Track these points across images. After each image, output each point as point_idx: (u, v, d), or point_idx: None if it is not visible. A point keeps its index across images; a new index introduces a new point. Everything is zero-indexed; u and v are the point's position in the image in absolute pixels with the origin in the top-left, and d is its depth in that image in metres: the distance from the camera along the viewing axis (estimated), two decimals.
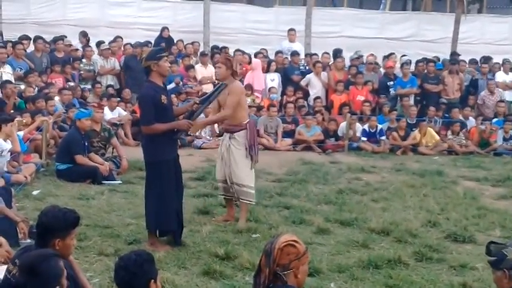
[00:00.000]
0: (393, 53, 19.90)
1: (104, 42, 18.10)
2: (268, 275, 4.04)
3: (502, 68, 19.21)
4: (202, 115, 9.40)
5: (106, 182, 11.24)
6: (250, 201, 9.00)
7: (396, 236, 8.57)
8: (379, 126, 16.15)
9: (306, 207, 10.01)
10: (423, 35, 24.51)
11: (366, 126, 16.18)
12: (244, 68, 16.89)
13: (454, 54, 20.94)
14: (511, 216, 9.94)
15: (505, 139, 16.48)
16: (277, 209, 9.86)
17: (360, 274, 7.14)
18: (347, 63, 18.74)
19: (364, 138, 16.02)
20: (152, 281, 4.11)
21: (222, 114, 8.91)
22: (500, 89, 18.37)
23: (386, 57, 19.53)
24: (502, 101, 17.75)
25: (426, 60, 18.82)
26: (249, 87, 16.52)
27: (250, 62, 17.67)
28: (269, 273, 4.04)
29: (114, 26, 21.35)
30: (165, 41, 18.72)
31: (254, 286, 4.14)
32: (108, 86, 16.61)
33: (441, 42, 23.85)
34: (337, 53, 19.13)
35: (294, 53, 18.57)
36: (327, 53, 19.17)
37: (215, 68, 9.14)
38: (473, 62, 19.95)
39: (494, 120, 17.16)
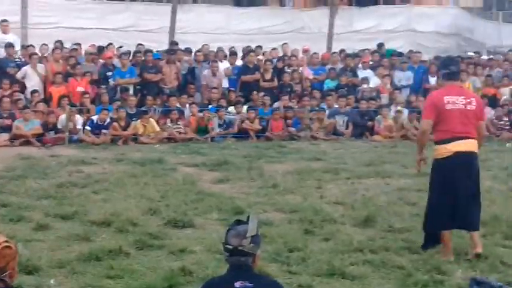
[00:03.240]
0: (111, 44, 19.93)
1: None
2: None
3: (217, 56, 19.96)
4: None
5: None
6: None
7: (117, 227, 8.60)
8: (108, 120, 16.10)
9: (24, 203, 9.72)
10: (142, 25, 24.72)
11: (95, 118, 16.06)
12: None
13: (172, 43, 21.40)
14: (227, 199, 10.39)
15: (220, 125, 17.24)
16: None
17: (80, 268, 7.09)
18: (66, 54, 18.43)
19: (89, 128, 15.90)
20: None
21: None
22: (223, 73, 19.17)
23: (106, 48, 19.48)
24: (215, 87, 18.48)
25: (145, 50, 19.08)
26: None
27: None
28: None
29: None
30: None
31: None
32: None
33: (159, 32, 24.21)
34: (48, 45, 18.72)
35: (8, 45, 17.87)
36: (45, 45, 18.71)
37: None
38: (189, 50, 20.49)
39: (210, 106, 17.85)
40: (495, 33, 27.02)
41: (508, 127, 18.47)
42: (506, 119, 18.59)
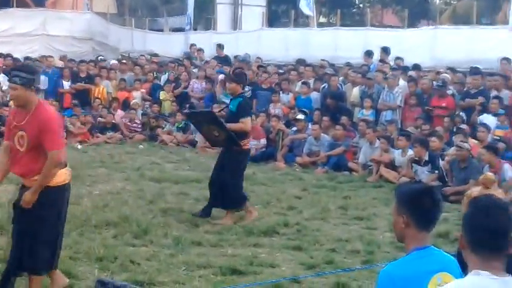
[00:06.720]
0: None
1: None
2: None
3: None
4: None
5: None
6: None
7: None
8: None
9: None
10: None
11: None
12: None
13: None
14: None
15: None
16: None
17: None
18: None
19: None
20: None
21: None
22: None
23: None
24: None
25: None
26: None
27: None
28: None
29: None
30: None
31: None
32: None
33: None
34: None
35: None
36: None
37: None
38: None
39: None
40: (128, 39, 28.05)
41: (140, 129, 19.21)
42: (138, 121, 19.31)
